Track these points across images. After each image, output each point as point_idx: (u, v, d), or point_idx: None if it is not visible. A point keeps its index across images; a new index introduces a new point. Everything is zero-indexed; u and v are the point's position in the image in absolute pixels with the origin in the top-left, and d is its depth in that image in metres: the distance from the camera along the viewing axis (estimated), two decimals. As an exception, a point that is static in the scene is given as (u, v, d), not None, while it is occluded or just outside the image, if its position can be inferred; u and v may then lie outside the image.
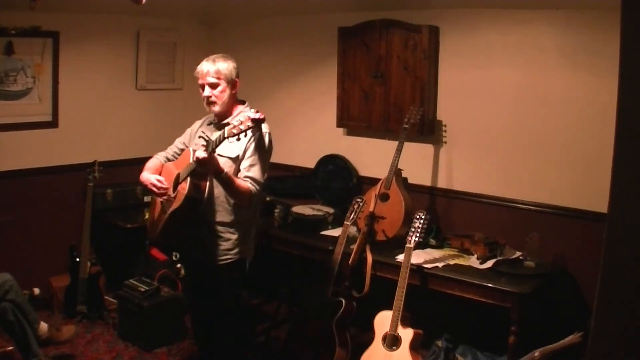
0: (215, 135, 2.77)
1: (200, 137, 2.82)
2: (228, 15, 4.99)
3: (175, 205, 2.83)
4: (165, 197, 2.93)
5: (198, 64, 2.96)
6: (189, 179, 2.78)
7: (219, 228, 2.91)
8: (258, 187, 2.84)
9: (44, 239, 4.46)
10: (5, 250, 4.19)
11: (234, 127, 2.56)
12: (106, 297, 4.34)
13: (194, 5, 4.78)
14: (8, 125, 4.21)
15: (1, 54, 4.11)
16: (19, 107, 4.27)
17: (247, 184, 2.80)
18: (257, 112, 2.58)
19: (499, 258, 3.44)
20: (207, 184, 2.84)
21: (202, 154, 2.61)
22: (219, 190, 2.86)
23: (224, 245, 2.92)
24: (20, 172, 4.31)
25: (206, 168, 2.70)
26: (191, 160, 2.75)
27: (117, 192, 4.73)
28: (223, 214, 2.90)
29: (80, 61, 4.54)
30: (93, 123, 4.70)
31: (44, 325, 3.47)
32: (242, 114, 2.70)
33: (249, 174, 2.82)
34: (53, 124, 4.47)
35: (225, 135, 2.59)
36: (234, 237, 2.93)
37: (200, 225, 2.92)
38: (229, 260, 2.93)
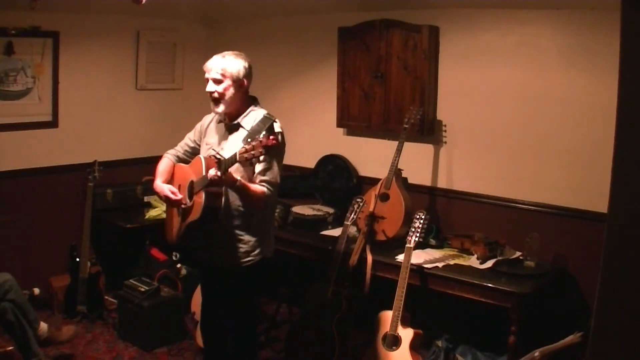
0: (225, 146, 2.74)
1: (211, 156, 2.74)
2: (228, 15, 4.99)
3: (194, 217, 2.79)
4: (182, 207, 2.89)
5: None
6: (203, 190, 2.73)
7: (237, 232, 2.86)
8: (273, 190, 2.79)
9: (44, 239, 4.46)
10: (5, 250, 4.19)
11: (246, 151, 2.51)
12: (106, 297, 4.34)
13: (194, 5, 4.78)
14: (8, 125, 4.21)
15: (1, 54, 4.11)
16: (19, 107, 4.27)
17: (263, 189, 2.75)
18: (270, 136, 2.52)
19: (499, 258, 3.44)
20: (223, 190, 2.79)
21: (214, 173, 2.58)
22: (234, 195, 2.81)
23: (244, 248, 2.87)
24: (20, 172, 4.31)
25: (219, 185, 2.68)
26: (204, 173, 2.70)
27: (117, 192, 4.72)
28: (240, 218, 2.85)
29: (80, 61, 4.54)
30: (93, 123, 4.70)
31: (44, 325, 3.47)
32: (255, 132, 2.67)
33: (264, 178, 2.77)
34: (53, 124, 4.47)
35: (237, 159, 2.54)
36: (253, 239, 2.87)
37: (218, 231, 2.86)
38: (250, 262, 2.88)
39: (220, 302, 3.03)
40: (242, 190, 2.72)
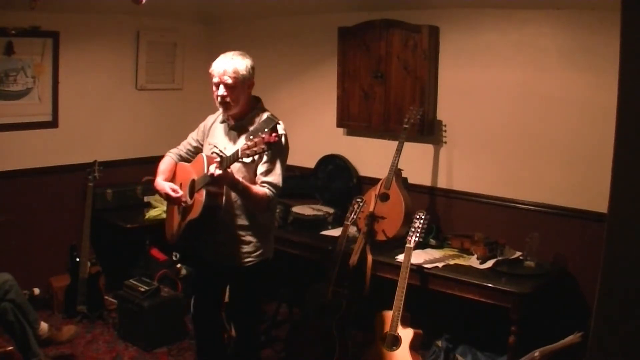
0: (228, 146, 2.73)
1: (213, 152, 2.71)
2: (228, 15, 4.99)
3: (194, 215, 2.78)
4: (182, 204, 2.89)
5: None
6: (204, 189, 2.73)
7: (239, 232, 2.85)
8: (275, 192, 2.76)
9: (44, 239, 4.46)
10: (5, 250, 4.19)
11: (248, 148, 2.49)
12: (106, 297, 4.34)
13: (194, 5, 4.78)
14: (8, 125, 4.21)
15: (1, 54, 4.11)
16: (19, 107, 4.26)
17: (265, 190, 2.73)
18: (272, 133, 2.49)
19: (499, 258, 3.44)
20: (224, 190, 2.78)
21: (216, 171, 2.56)
22: (236, 195, 2.79)
23: (246, 248, 2.86)
24: (20, 172, 4.31)
25: (221, 183, 2.67)
26: (205, 171, 2.69)
27: (117, 192, 4.72)
28: (242, 218, 2.84)
29: (80, 61, 4.53)
30: (93, 123, 4.70)
31: (44, 325, 3.47)
32: (258, 130, 2.61)
33: (266, 179, 2.75)
34: (53, 124, 4.46)
35: (239, 156, 2.53)
36: (255, 239, 2.87)
37: (220, 230, 2.86)
38: (252, 263, 2.88)
39: (217, 300, 3.04)
40: (244, 193, 2.70)
